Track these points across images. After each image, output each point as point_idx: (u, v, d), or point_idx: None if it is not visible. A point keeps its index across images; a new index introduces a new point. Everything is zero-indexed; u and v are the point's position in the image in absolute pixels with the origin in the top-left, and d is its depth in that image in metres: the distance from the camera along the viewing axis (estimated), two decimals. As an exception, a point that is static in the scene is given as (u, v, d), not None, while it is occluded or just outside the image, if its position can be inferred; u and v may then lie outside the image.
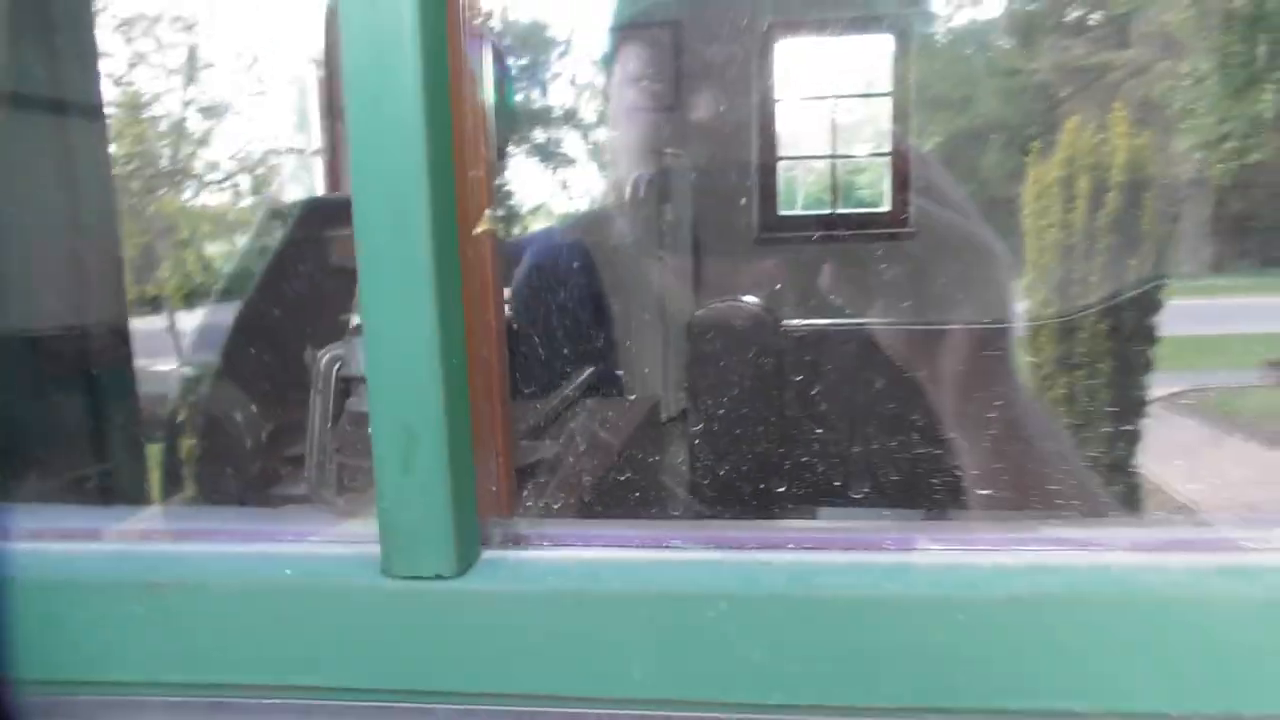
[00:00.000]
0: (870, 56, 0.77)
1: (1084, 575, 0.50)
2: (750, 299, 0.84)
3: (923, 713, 0.49)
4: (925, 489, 0.71)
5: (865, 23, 0.76)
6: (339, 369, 0.86)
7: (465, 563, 0.53)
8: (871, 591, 0.50)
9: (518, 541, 0.55)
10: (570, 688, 0.52)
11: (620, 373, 0.93)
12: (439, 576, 0.52)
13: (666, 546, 0.54)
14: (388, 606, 0.52)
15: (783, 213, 0.79)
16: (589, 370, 0.92)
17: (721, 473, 0.76)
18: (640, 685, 0.51)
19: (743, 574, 0.52)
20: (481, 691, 0.52)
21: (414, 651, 0.52)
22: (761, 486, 0.74)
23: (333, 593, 0.53)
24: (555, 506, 0.69)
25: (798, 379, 0.78)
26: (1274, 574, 0.49)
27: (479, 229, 0.54)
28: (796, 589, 0.50)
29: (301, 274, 1.05)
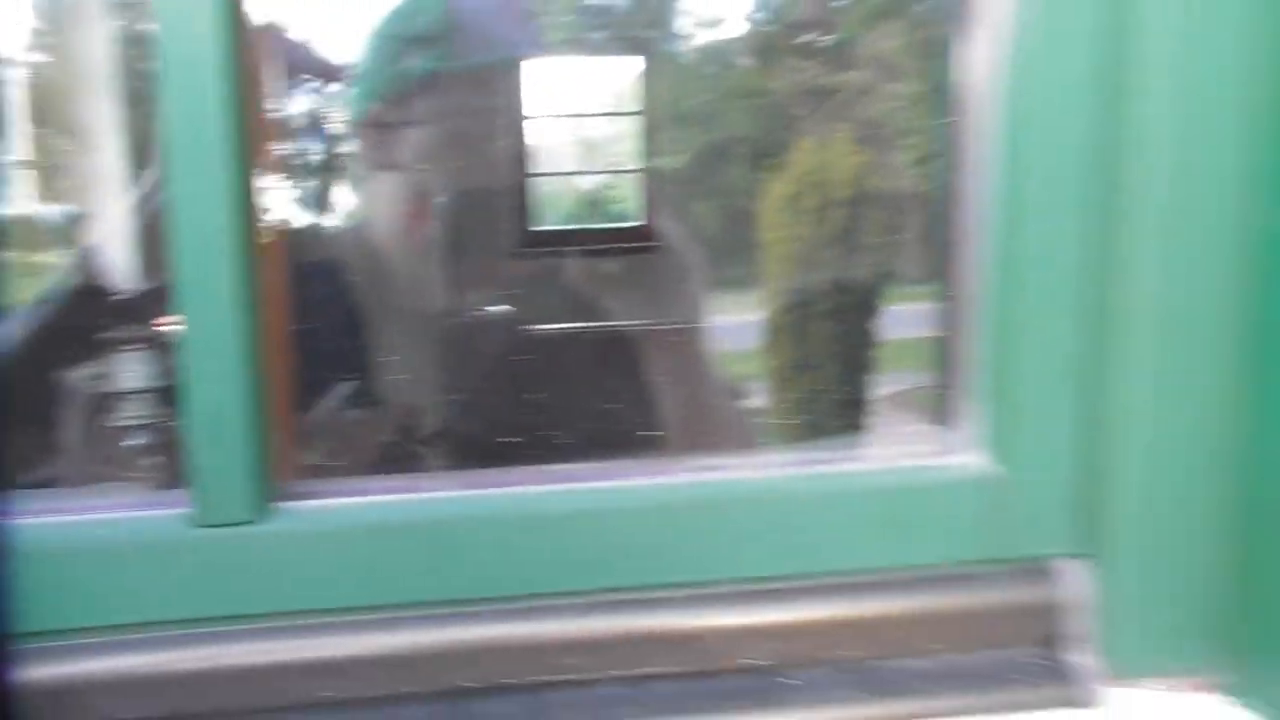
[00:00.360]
0: (622, 76, 0.87)
1: (731, 487, 0.75)
2: (501, 307, 1.05)
3: (622, 590, 0.72)
4: (634, 437, 0.96)
5: (616, 44, 0.92)
6: (98, 386, 0.99)
7: (263, 511, 0.71)
8: (581, 507, 0.72)
9: (305, 494, 0.74)
10: (352, 600, 0.71)
11: (380, 378, 1.11)
12: (242, 523, 0.70)
13: (423, 490, 0.75)
14: (202, 550, 0.70)
15: (536, 228, 0.88)
16: (351, 378, 1.09)
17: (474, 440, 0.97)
18: (410, 592, 0.71)
19: (484, 504, 0.73)
20: (281, 611, 0.71)
21: (225, 585, 0.70)
22: (507, 444, 0.95)
23: (156, 543, 0.70)
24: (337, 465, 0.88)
25: (541, 368, 1.00)
26: (843, 477, 0.76)
27: (265, 239, 0.72)
28: (525, 509, 0.72)
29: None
